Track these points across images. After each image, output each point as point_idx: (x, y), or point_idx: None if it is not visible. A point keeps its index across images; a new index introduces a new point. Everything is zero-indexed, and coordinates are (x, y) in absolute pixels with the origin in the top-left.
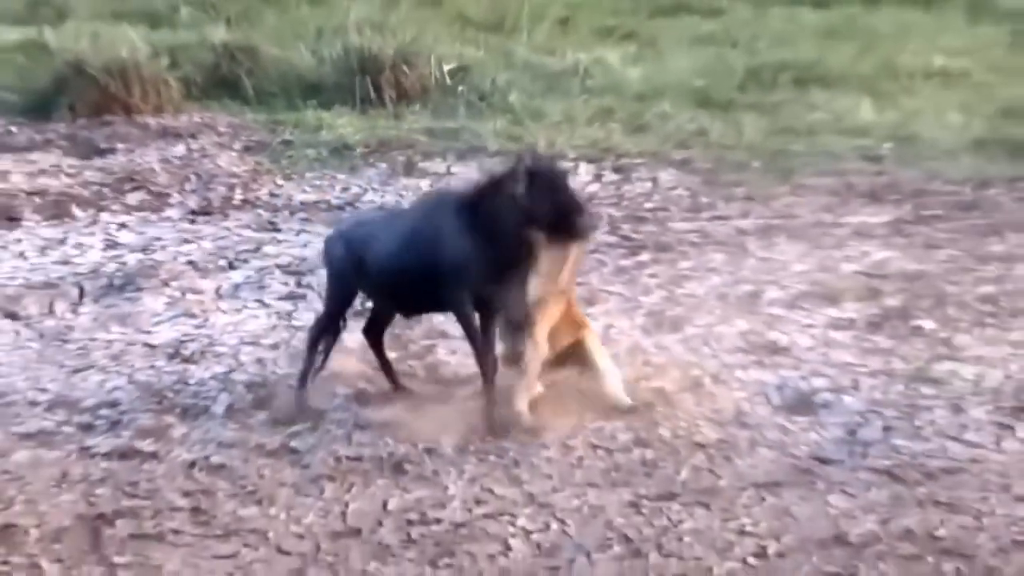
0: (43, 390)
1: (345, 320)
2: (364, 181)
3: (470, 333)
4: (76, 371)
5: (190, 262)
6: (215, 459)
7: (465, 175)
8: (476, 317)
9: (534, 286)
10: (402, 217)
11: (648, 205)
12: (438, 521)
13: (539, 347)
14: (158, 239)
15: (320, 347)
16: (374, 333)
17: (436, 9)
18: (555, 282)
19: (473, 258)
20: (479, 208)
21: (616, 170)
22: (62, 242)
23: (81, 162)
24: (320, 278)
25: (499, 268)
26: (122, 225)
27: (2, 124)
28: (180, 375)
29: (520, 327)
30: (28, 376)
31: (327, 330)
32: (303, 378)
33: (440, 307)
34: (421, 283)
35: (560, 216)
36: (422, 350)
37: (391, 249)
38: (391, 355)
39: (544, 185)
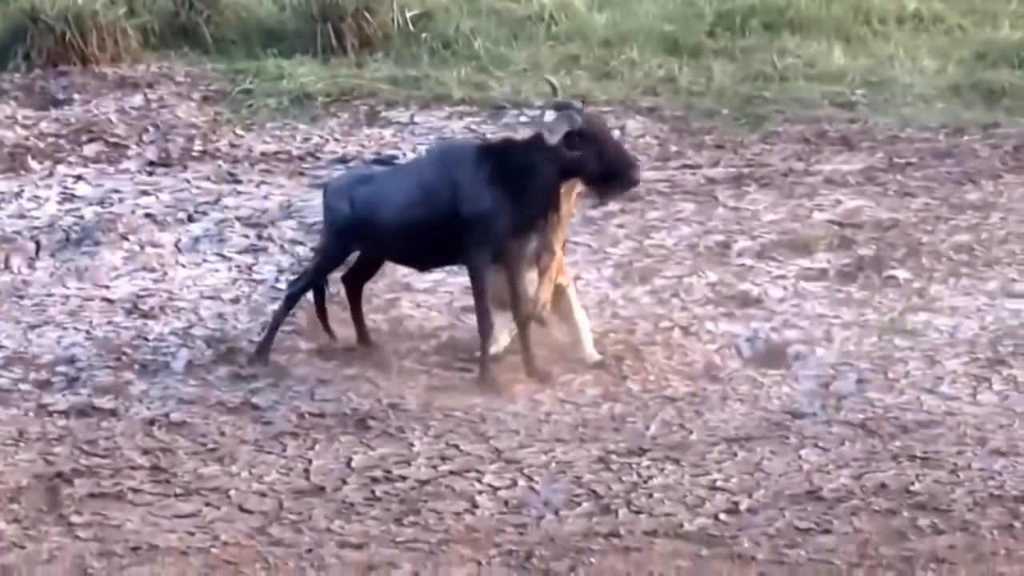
0: None
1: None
2: (326, 131)
3: (479, 288)
4: (33, 327)
5: (148, 215)
6: (175, 416)
7: (429, 124)
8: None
9: (558, 235)
10: (412, 170)
11: None
12: (403, 478)
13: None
14: (116, 191)
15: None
16: (355, 283)
17: None
18: (564, 229)
19: (497, 210)
20: (508, 160)
21: None
22: (18, 195)
23: (37, 113)
24: (281, 231)
25: (524, 220)
26: (79, 177)
27: None
28: (139, 331)
29: (539, 273)
30: None
31: (311, 286)
32: (272, 332)
33: (456, 260)
34: (439, 238)
35: (610, 169)
36: (385, 304)
37: (404, 204)
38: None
39: (592, 138)
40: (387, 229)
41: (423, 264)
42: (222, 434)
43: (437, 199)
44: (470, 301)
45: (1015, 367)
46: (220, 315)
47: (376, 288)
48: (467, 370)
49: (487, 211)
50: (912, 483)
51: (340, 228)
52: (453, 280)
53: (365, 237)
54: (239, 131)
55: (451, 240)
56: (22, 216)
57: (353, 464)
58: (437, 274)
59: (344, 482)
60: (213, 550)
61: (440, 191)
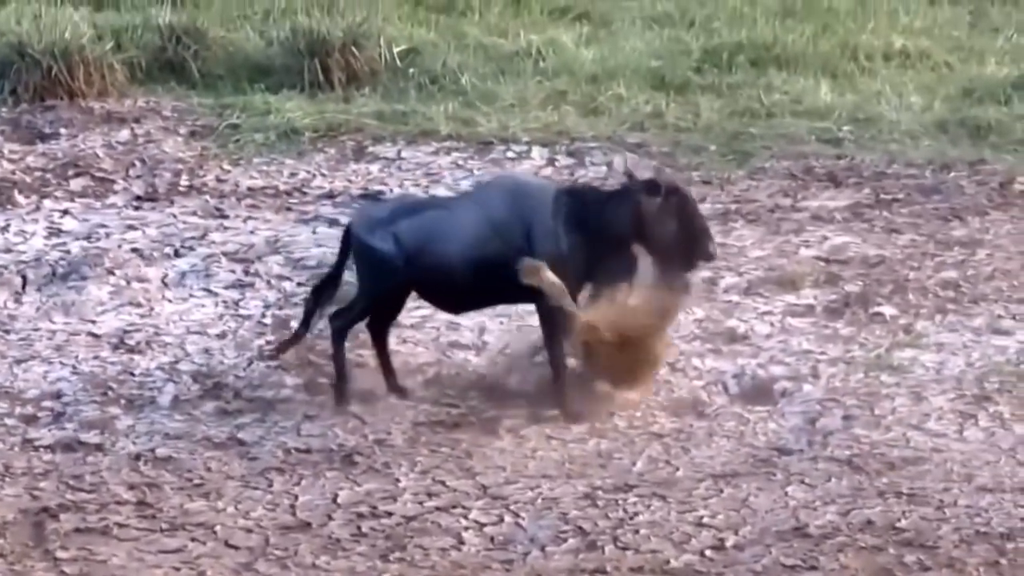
0: None
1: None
2: (313, 166)
3: (555, 327)
4: (18, 362)
5: (135, 250)
6: (161, 451)
7: (416, 159)
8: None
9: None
10: (470, 205)
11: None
12: (389, 514)
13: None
14: (102, 226)
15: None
16: (380, 327)
17: None
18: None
19: (569, 255)
20: (587, 205)
21: (570, 154)
22: (4, 230)
23: (23, 147)
24: (267, 266)
25: (595, 269)
26: (65, 212)
27: None
28: (125, 365)
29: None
30: None
31: (356, 322)
32: (341, 372)
33: (511, 300)
34: (501, 276)
35: (689, 233)
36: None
37: (469, 240)
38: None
39: (676, 194)
40: (445, 265)
41: (468, 304)
42: (208, 469)
43: (507, 236)
44: (456, 337)
45: (1001, 404)
46: (206, 350)
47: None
48: (454, 406)
49: (558, 253)
50: (898, 520)
51: (386, 265)
52: (440, 316)
53: (415, 273)
54: (226, 166)
55: (511, 279)
56: (8, 250)
57: (339, 500)
58: (424, 310)
59: (330, 518)
60: None
61: (511, 228)
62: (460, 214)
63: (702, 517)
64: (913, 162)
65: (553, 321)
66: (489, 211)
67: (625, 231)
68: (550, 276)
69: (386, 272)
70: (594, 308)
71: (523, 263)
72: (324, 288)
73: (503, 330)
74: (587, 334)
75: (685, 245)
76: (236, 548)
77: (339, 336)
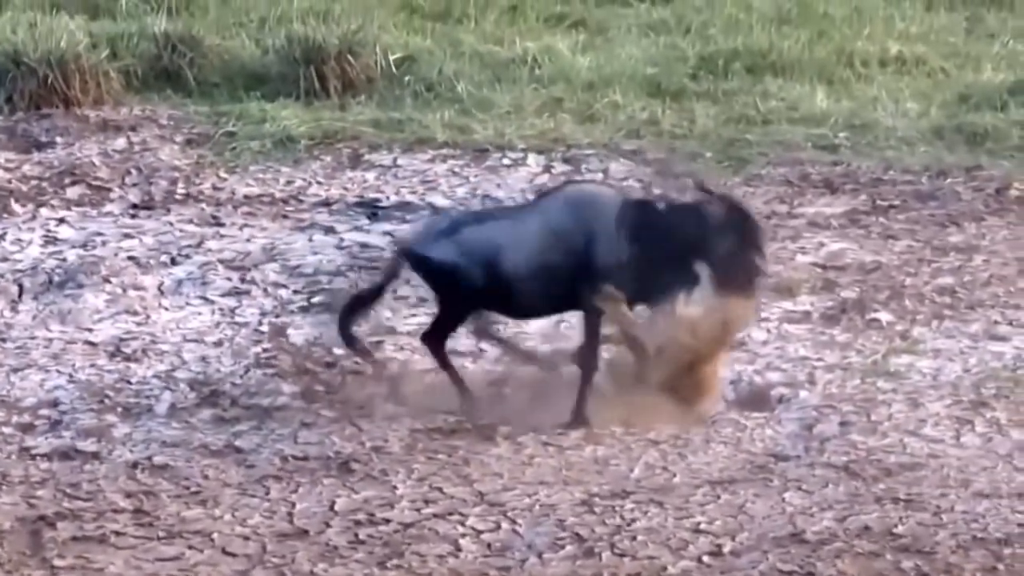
0: None
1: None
2: (309, 174)
3: (594, 336)
4: (15, 370)
5: (131, 258)
6: (158, 459)
7: (412, 166)
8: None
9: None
10: (534, 215)
11: None
12: (386, 521)
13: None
14: (99, 234)
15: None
16: (437, 338)
17: None
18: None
19: (629, 266)
20: (652, 219)
21: (566, 161)
22: (0, 238)
23: (19, 156)
24: (264, 274)
25: (651, 284)
26: (61, 220)
27: None
28: (122, 374)
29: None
30: None
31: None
32: (460, 386)
33: (568, 308)
34: (563, 284)
35: (747, 247)
36: (369, 347)
37: (530, 250)
38: (338, 352)
39: (740, 225)
40: (511, 276)
41: (532, 312)
42: (205, 477)
43: (569, 245)
44: (453, 344)
45: (998, 409)
46: (203, 358)
47: (360, 331)
48: (451, 413)
49: (617, 263)
50: (895, 525)
51: (460, 276)
52: None
53: (486, 282)
54: (222, 174)
55: (573, 287)
56: (4, 259)
57: (336, 507)
58: (420, 317)
59: (327, 525)
60: None
61: (573, 237)
62: (524, 223)
63: (699, 523)
64: (909, 168)
65: (595, 332)
66: (552, 220)
67: (687, 245)
68: (624, 310)
69: (461, 283)
70: (661, 331)
71: (603, 291)
72: (358, 307)
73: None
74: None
75: (743, 262)
76: (233, 556)
77: (438, 354)
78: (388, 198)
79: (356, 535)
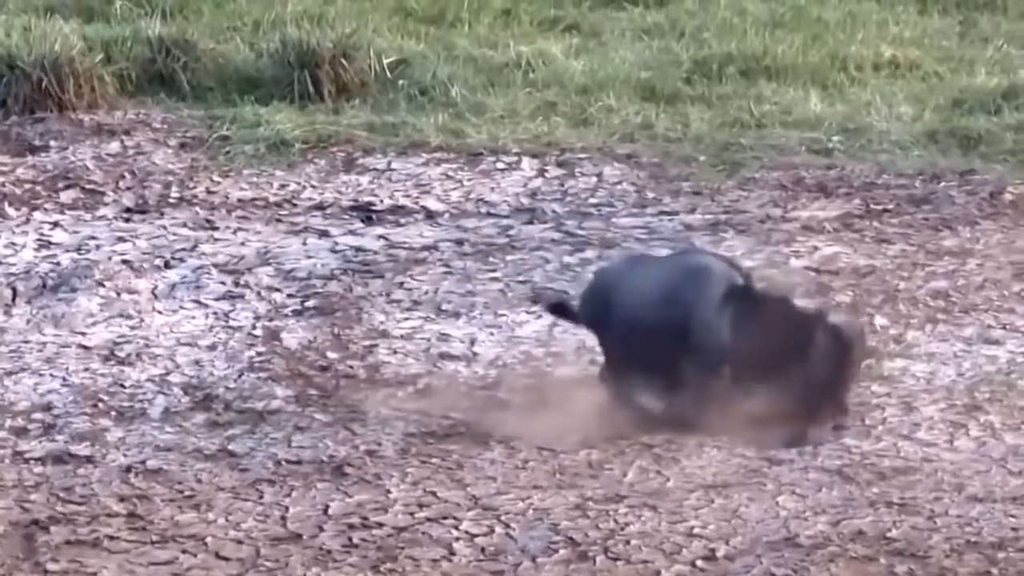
0: None
1: None
2: (303, 178)
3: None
4: (9, 374)
5: (125, 261)
6: (152, 463)
7: (406, 170)
8: None
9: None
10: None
11: (593, 200)
12: (380, 525)
13: None
14: (92, 238)
15: None
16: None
17: (375, 1)
18: None
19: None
20: (756, 314)
21: (560, 165)
22: None
23: (13, 160)
24: (258, 277)
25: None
26: (55, 224)
27: None
28: (115, 377)
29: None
30: None
31: None
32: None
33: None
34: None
35: (828, 387)
36: (362, 350)
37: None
38: (332, 356)
39: (842, 344)
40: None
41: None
42: (199, 481)
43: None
44: (447, 348)
45: (992, 413)
46: (197, 362)
47: (353, 334)
48: (445, 417)
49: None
50: (889, 529)
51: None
52: (430, 327)
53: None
54: (216, 177)
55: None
56: None
57: (330, 511)
58: (414, 320)
59: (321, 529)
60: None
61: (674, 310)
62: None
63: (693, 527)
64: (903, 172)
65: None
66: (664, 286)
67: (785, 351)
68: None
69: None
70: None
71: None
72: None
73: (494, 341)
74: None
75: (829, 393)
76: (227, 560)
77: None
78: (382, 202)
79: (350, 539)
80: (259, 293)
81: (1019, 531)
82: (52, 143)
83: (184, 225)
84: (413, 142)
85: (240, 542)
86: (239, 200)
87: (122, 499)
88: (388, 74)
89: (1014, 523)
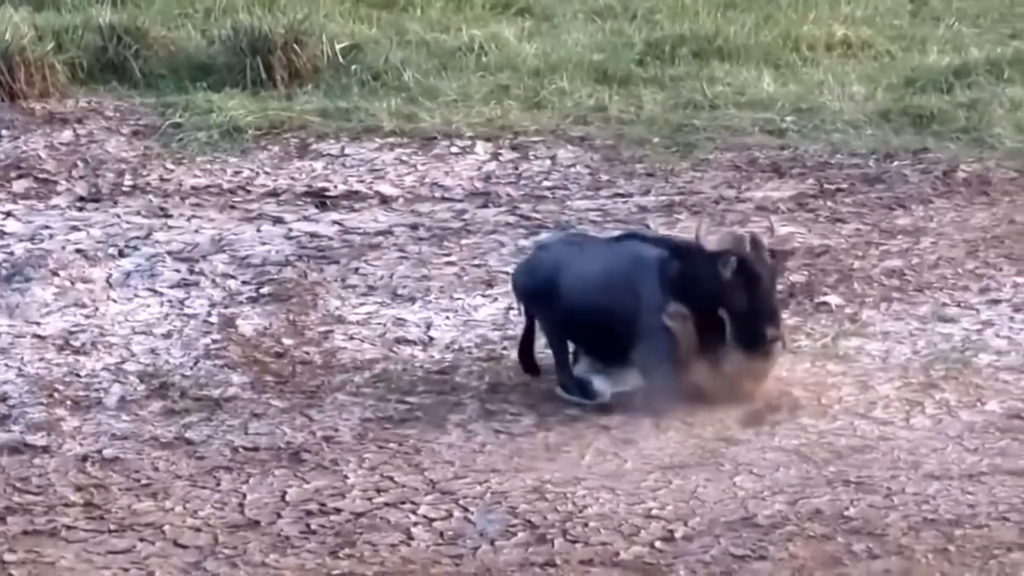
0: None
1: None
2: (256, 164)
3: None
4: None
5: (79, 250)
6: (108, 452)
7: (360, 155)
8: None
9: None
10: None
11: (547, 183)
12: (338, 511)
13: None
14: (46, 227)
15: None
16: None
17: None
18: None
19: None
20: (686, 273)
21: (514, 148)
22: None
23: None
24: (212, 265)
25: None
26: (8, 214)
27: None
28: (71, 367)
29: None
30: None
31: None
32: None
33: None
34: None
35: (752, 316)
36: (318, 336)
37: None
38: (288, 342)
39: (747, 282)
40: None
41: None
42: (156, 469)
43: (622, 299)
44: (403, 332)
45: (948, 391)
46: (152, 350)
47: (308, 320)
48: (402, 401)
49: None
50: (847, 508)
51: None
52: (386, 312)
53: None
54: (169, 165)
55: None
56: None
57: (288, 497)
58: (370, 305)
59: (279, 516)
60: None
61: (625, 294)
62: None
63: (651, 509)
64: (856, 151)
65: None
66: (611, 272)
67: (710, 297)
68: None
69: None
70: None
71: (670, 308)
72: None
73: (450, 325)
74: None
75: (751, 320)
76: (185, 547)
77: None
78: (336, 187)
79: (308, 525)
80: (214, 280)
81: (976, 508)
82: (4, 132)
83: (138, 213)
84: (366, 127)
85: (198, 530)
86: (192, 187)
87: (79, 488)
88: (340, 59)
89: (971, 500)
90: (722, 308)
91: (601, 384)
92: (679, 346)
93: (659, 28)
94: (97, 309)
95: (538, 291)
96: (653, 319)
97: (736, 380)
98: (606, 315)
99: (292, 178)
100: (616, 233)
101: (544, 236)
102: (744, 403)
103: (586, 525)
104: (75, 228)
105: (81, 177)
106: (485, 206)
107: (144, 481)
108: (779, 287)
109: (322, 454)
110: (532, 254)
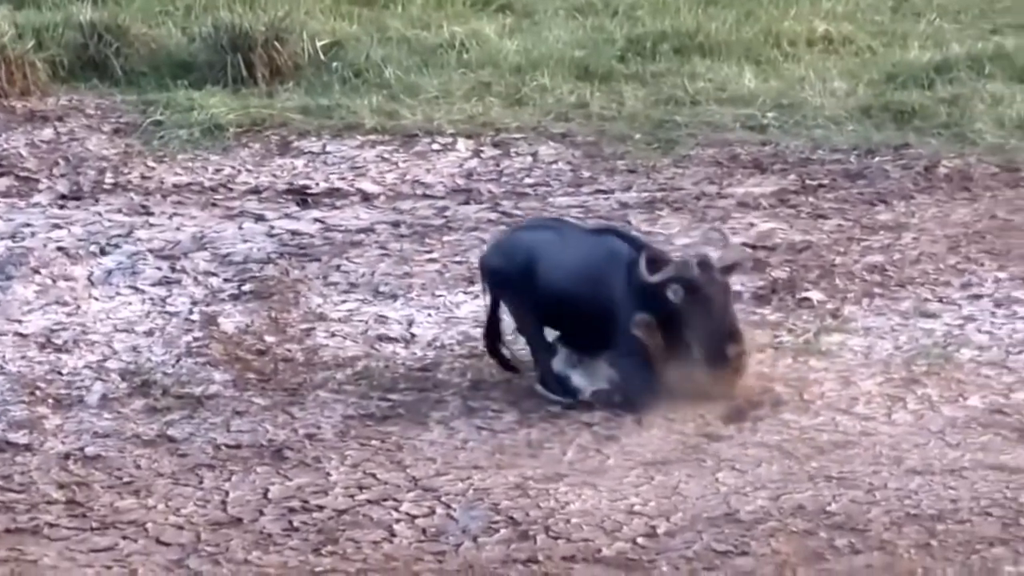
0: None
1: None
2: (237, 162)
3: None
4: None
5: (61, 248)
6: (90, 450)
7: (341, 152)
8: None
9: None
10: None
11: (528, 180)
12: (320, 508)
13: None
14: (27, 225)
15: None
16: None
17: None
18: None
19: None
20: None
21: (495, 145)
22: None
23: None
24: (194, 262)
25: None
26: None
27: None
28: (53, 365)
29: None
30: None
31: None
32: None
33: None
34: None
35: (710, 340)
36: (300, 333)
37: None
38: (269, 340)
39: (702, 302)
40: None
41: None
42: (138, 467)
43: (597, 294)
44: (385, 330)
45: (929, 386)
46: (134, 348)
47: (290, 318)
48: (384, 399)
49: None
50: (829, 503)
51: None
52: (368, 309)
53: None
54: (150, 163)
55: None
56: None
57: (270, 495)
58: (351, 303)
59: (261, 513)
60: None
61: (599, 289)
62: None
63: (633, 505)
64: (838, 147)
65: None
66: (589, 264)
67: (670, 312)
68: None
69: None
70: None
71: (637, 318)
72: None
73: (432, 322)
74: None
75: (710, 341)
76: (167, 545)
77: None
78: (317, 185)
79: (290, 522)
80: (196, 278)
81: (958, 503)
82: None
83: (119, 211)
84: (348, 124)
85: (180, 527)
86: (174, 185)
87: (61, 486)
88: (322, 56)
89: (953, 495)
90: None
91: (580, 381)
92: (649, 352)
93: (640, 24)
94: (79, 307)
95: (513, 276)
96: (624, 322)
97: (707, 387)
98: (584, 306)
99: (274, 176)
100: (592, 224)
101: (516, 222)
102: (722, 401)
103: (568, 521)
104: (56, 226)
105: (62, 175)
106: (467, 203)
107: (126, 479)
108: (733, 302)
109: (304, 451)
110: (505, 237)
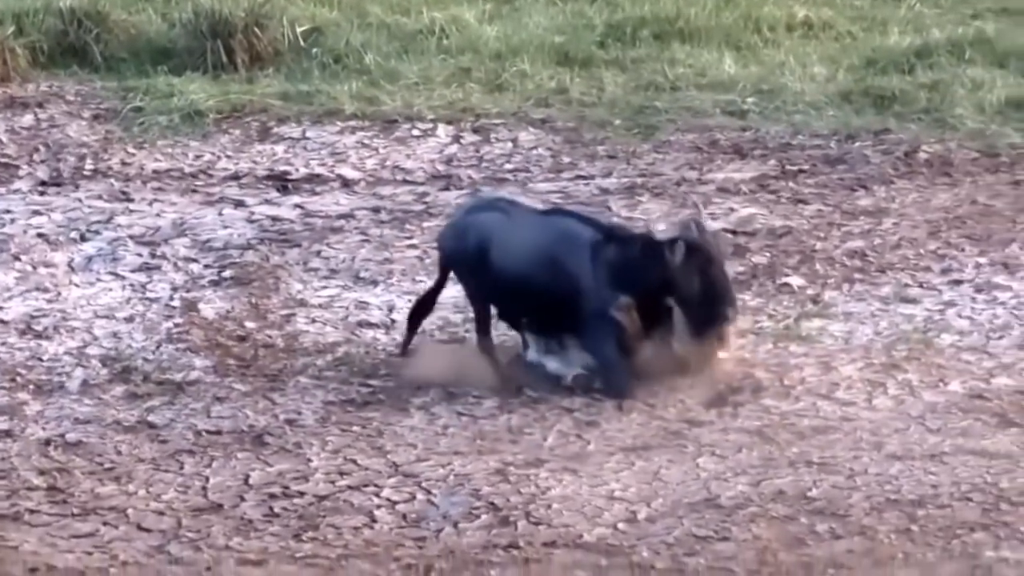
0: None
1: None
2: (217, 148)
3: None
4: None
5: (41, 235)
6: (71, 436)
7: (321, 138)
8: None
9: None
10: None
11: (509, 166)
12: (301, 494)
13: None
14: (7, 212)
15: None
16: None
17: None
18: None
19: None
20: (621, 256)
21: (475, 131)
22: None
23: None
24: (174, 248)
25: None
26: None
27: None
28: (33, 351)
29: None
30: None
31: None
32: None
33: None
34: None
35: (707, 296)
36: (280, 319)
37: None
38: (250, 326)
39: (699, 265)
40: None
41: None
42: (119, 453)
43: (558, 278)
44: (365, 316)
45: (910, 372)
46: (115, 334)
47: (271, 304)
48: (364, 385)
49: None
50: (809, 489)
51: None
52: (348, 295)
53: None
54: (131, 149)
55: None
56: None
57: (251, 481)
58: (332, 289)
59: (242, 499)
60: (112, 570)
61: (559, 273)
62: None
63: (614, 491)
64: (818, 132)
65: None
66: (543, 249)
67: (655, 286)
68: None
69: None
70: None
71: (619, 301)
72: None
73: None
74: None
75: (707, 303)
76: (148, 531)
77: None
78: (297, 171)
79: (271, 508)
80: (176, 264)
81: (938, 488)
82: None
83: (99, 197)
84: (328, 110)
85: (161, 513)
86: (154, 171)
87: (42, 472)
88: (301, 42)
89: (933, 480)
90: (672, 296)
91: (557, 367)
92: (627, 335)
93: (620, 10)
94: (59, 293)
95: (467, 258)
96: (595, 307)
97: (687, 365)
98: (538, 291)
99: (253, 161)
100: (543, 207)
101: (469, 199)
102: (702, 380)
103: (549, 507)
104: (37, 212)
105: (42, 161)
106: (447, 189)
107: (107, 465)
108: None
109: (285, 437)
110: (459, 217)
